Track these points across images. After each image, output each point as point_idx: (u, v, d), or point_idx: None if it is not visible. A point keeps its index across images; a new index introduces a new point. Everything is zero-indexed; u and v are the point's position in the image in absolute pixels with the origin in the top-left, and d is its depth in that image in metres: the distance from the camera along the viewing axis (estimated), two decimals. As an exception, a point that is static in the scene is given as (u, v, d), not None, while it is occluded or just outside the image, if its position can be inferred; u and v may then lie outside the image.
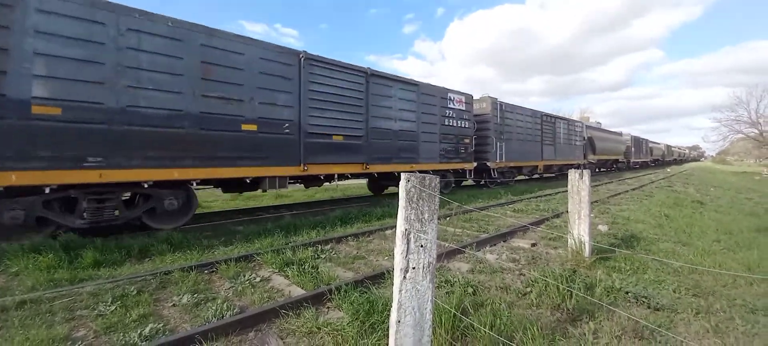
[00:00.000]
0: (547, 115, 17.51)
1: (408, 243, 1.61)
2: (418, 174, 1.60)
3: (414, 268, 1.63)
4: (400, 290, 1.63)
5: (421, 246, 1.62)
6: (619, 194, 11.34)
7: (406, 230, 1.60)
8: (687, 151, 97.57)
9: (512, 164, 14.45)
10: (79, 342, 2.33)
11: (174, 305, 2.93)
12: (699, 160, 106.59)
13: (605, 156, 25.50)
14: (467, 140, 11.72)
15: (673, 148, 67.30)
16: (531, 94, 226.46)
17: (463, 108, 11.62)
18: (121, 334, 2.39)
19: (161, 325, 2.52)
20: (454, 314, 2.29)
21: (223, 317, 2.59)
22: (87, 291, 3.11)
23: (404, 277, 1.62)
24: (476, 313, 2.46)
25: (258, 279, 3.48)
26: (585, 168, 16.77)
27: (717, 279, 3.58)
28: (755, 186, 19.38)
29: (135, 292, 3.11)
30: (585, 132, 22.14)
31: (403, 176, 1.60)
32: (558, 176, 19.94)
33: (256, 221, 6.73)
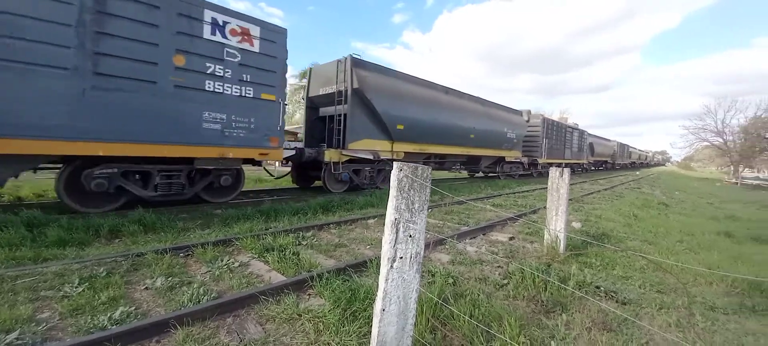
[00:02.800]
0: None
1: (397, 233, 1.60)
2: (411, 164, 1.59)
3: (401, 258, 1.63)
4: (386, 279, 1.62)
5: (410, 236, 1.62)
6: (593, 193, 11.80)
7: (395, 219, 1.59)
8: (651, 154, 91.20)
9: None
10: (44, 324, 2.21)
11: (147, 288, 2.82)
12: (664, 165, 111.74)
13: (427, 147, 10.97)
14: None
15: (631, 149, 54.37)
16: (518, 91, 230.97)
17: None
18: (89, 316, 2.28)
19: (133, 308, 2.42)
20: (436, 303, 2.32)
21: (199, 301, 2.51)
22: (52, 271, 2.95)
23: (391, 266, 1.62)
24: (456, 302, 2.51)
25: (236, 264, 3.40)
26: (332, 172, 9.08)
27: (679, 277, 3.80)
28: (716, 192, 20.66)
29: (104, 273, 2.97)
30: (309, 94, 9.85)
31: (395, 164, 1.58)
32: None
33: (235, 205, 6.57)
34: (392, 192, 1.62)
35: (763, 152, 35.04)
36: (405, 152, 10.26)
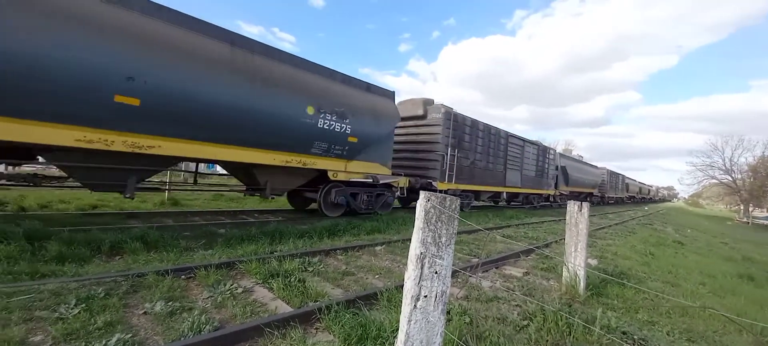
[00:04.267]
0: None
1: (422, 268, 1.46)
2: (438, 194, 1.47)
3: (426, 296, 1.48)
4: (409, 321, 1.47)
5: (436, 273, 1.48)
6: (604, 228, 11.50)
7: (421, 253, 1.45)
8: (654, 188, 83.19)
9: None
10: (33, 349, 2.05)
11: (145, 312, 2.66)
12: (671, 201, 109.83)
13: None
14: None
15: (629, 180, 45.14)
16: (516, 121, 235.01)
17: None
18: (84, 343, 2.12)
19: (130, 335, 2.25)
20: (456, 345, 2.14)
21: (200, 331, 2.34)
22: (49, 289, 2.80)
23: (415, 306, 1.47)
24: (476, 346, 2.32)
25: (240, 290, 3.23)
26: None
27: (707, 324, 3.55)
28: (727, 231, 20.14)
29: (102, 294, 2.82)
30: None
31: (422, 194, 1.46)
32: None
33: (239, 225, 6.44)
34: (418, 224, 1.50)
35: (775, 192, 34.43)
36: None
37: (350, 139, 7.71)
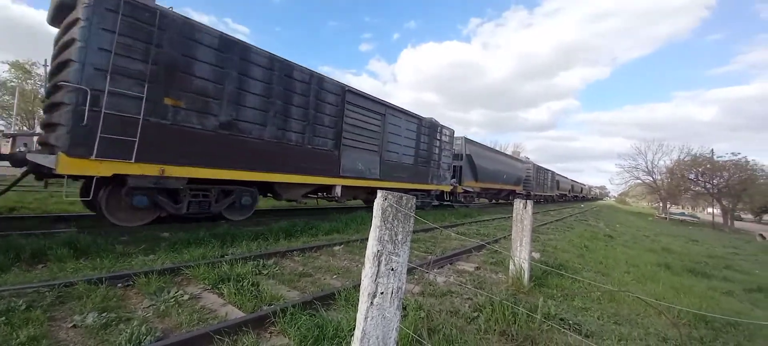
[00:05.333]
0: None
1: (378, 266, 1.49)
2: (395, 193, 1.51)
3: (382, 293, 1.51)
4: (365, 318, 1.49)
5: (392, 270, 1.52)
6: (546, 224, 12.42)
7: (378, 251, 1.48)
8: (587, 187, 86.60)
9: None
10: (-70, 375, 1.77)
11: (75, 325, 2.41)
12: (602, 199, 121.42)
13: None
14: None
15: (560, 178, 41.98)
16: (472, 124, 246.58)
17: None
18: (0, 362, 1.88)
19: (56, 351, 2.03)
20: (411, 339, 2.20)
21: (140, 342, 2.17)
22: (-46, 304, 2.44)
23: (371, 303, 1.50)
24: (431, 338, 2.40)
25: (186, 297, 3.04)
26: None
27: (631, 308, 3.99)
28: (649, 226, 22.72)
29: (24, 306, 2.51)
30: None
31: (380, 193, 1.49)
32: None
33: (186, 228, 6.03)
34: (375, 222, 1.52)
35: (687, 191, 39.48)
36: None
37: None
